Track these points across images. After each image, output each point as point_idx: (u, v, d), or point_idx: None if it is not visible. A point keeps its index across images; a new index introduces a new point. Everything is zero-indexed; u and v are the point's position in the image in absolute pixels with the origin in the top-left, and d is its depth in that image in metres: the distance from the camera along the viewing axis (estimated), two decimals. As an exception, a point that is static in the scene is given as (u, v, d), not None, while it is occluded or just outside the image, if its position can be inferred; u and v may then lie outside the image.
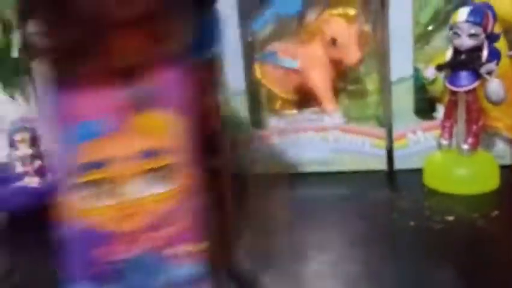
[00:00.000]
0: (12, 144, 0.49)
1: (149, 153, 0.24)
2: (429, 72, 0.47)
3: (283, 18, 0.56)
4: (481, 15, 0.43)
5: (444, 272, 0.37)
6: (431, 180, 0.49)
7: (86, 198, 0.23)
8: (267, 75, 0.55)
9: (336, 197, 0.50)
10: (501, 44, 0.46)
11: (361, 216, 0.46)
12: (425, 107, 0.52)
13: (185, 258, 0.25)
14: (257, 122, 0.56)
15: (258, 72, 0.56)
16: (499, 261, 0.38)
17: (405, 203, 0.47)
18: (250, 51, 0.55)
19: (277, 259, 0.41)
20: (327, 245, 0.42)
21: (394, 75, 0.50)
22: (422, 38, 0.53)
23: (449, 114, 0.47)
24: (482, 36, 0.43)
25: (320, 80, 0.54)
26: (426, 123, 0.51)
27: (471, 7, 0.44)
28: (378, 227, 0.44)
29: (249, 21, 0.55)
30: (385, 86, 0.52)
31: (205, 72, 0.28)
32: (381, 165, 0.53)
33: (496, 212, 0.44)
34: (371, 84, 0.56)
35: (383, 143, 0.53)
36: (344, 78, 0.56)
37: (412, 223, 0.43)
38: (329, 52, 0.53)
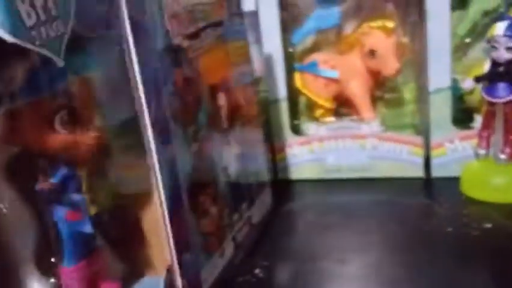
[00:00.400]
0: None
1: None
2: (467, 84, 0.49)
3: (323, 30, 0.58)
4: (517, 30, 0.44)
5: (481, 277, 0.39)
6: (468, 189, 0.50)
7: None
8: (307, 84, 0.57)
9: (374, 202, 0.52)
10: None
11: (399, 222, 0.47)
12: (462, 117, 0.53)
13: None
14: (297, 129, 0.58)
15: (298, 81, 0.58)
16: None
17: (442, 209, 0.48)
18: (291, 61, 0.58)
19: (317, 262, 0.43)
20: (366, 249, 0.44)
21: (432, 86, 0.51)
22: (459, 50, 0.54)
23: (487, 124, 0.49)
24: (520, 49, 0.45)
25: (358, 90, 0.56)
26: (464, 133, 0.52)
27: (508, 21, 0.45)
28: (416, 232, 0.45)
29: (289, 33, 0.57)
30: (423, 96, 0.54)
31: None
32: (418, 172, 0.54)
33: (532, 220, 0.45)
34: (408, 93, 0.58)
35: (420, 151, 0.54)
36: (381, 88, 0.58)
37: (450, 229, 0.45)
38: (367, 63, 0.54)
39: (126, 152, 0.33)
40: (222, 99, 0.41)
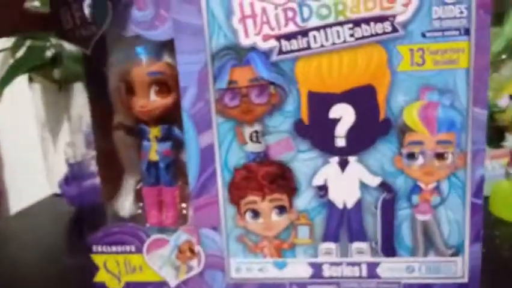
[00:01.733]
0: (88, 145, 0.50)
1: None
2: (503, 101, 0.48)
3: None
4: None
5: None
6: (497, 208, 0.49)
7: None
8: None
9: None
10: None
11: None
12: (492, 136, 0.52)
13: None
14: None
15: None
16: None
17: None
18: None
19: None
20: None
21: (464, 102, 0.50)
22: (491, 66, 0.53)
23: (521, 144, 0.48)
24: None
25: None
26: (494, 152, 0.51)
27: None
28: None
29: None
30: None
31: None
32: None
33: None
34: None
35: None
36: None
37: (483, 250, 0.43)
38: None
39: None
40: (339, 112, 0.35)
